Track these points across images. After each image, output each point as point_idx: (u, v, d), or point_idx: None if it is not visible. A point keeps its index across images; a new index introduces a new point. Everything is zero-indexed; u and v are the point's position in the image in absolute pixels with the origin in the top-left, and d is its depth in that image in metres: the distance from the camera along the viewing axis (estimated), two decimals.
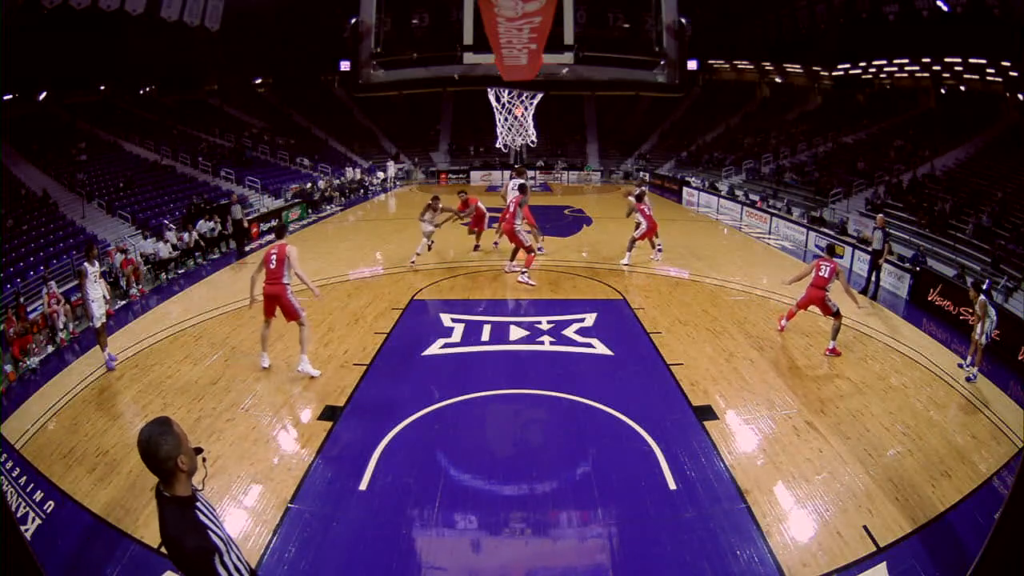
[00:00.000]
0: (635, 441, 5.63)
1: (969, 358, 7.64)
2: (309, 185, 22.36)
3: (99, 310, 7.63)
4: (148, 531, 4.43)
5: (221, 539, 2.30)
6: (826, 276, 8.01)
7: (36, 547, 3.29)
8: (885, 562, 4.18)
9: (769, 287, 10.78)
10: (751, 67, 31.31)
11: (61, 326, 8.95)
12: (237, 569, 2.35)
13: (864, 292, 10.71)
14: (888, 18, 22.41)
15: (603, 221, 17.14)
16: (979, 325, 7.34)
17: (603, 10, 28.25)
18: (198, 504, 2.31)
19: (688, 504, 4.77)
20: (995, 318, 7.44)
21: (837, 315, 7.88)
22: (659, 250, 12.51)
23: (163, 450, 2.21)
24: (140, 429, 2.27)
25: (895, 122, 23.16)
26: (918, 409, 6.40)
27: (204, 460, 2.39)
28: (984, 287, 8.14)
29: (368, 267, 12.11)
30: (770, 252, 14.70)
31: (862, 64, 26.27)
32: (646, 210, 11.89)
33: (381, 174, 27.06)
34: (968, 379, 7.27)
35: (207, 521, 2.29)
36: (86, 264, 7.68)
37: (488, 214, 12.87)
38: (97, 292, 7.69)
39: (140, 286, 11.14)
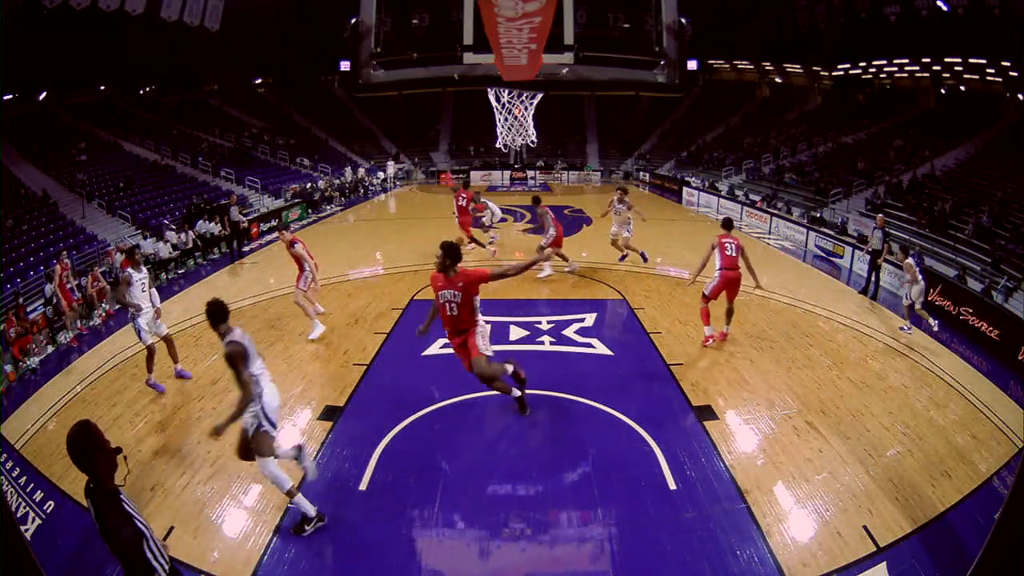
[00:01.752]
0: (635, 441, 5.63)
1: (932, 321, 8.59)
2: (309, 185, 22.36)
3: (147, 324, 6.69)
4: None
5: (144, 526, 2.68)
6: (734, 255, 7.49)
7: (36, 547, 3.30)
8: (885, 562, 4.18)
9: (769, 287, 10.77)
10: (751, 67, 31.31)
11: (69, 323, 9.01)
12: (161, 554, 2.74)
13: (864, 292, 10.72)
14: (888, 18, 22.43)
15: (603, 221, 17.10)
16: (910, 287, 8.44)
17: (603, 10, 28.24)
18: (122, 497, 2.67)
19: (688, 504, 4.77)
20: (924, 283, 8.54)
21: (732, 302, 7.80)
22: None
23: (85, 449, 2.57)
24: (67, 433, 2.63)
25: (895, 122, 23.16)
26: (918, 409, 6.40)
27: (125, 459, 2.75)
28: (913, 252, 9.08)
29: (368, 267, 12.11)
30: (770, 252, 14.69)
31: (862, 64, 26.27)
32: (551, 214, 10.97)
33: (381, 174, 27.06)
34: (902, 328, 8.52)
35: (131, 511, 2.65)
36: (131, 271, 6.71)
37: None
38: (147, 303, 6.75)
39: None
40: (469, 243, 12.05)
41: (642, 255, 11.12)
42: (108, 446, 2.64)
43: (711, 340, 7.84)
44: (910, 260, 8.70)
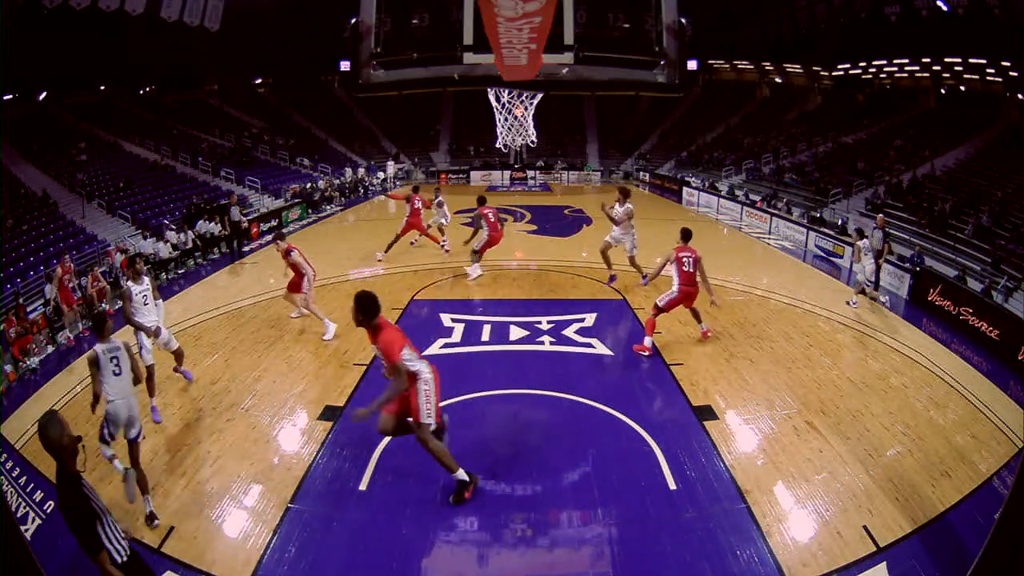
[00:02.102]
0: (635, 441, 5.63)
1: (855, 297, 9.79)
2: (309, 185, 22.36)
3: (151, 342, 6.22)
4: (148, 531, 4.43)
5: (100, 509, 3.01)
6: (692, 270, 7.36)
7: (36, 547, 3.30)
8: (885, 562, 4.18)
9: (769, 287, 10.78)
10: (751, 67, 31.32)
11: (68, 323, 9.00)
12: (116, 536, 3.05)
13: (864, 292, 10.71)
14: (888, 18, 22.44)
15: (603, 221, 17.06)
16: (858, 265, 9.81)
17: (603, 10, 28.25)
18: (83, 481, 2.99)
19: (688, 504, 4.77)
20: (871, 265, 9.88)
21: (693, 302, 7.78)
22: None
23: (52, 433, 2.93)
24: (38, 421, 3.04)
25: (895, 122, 23.16)
26: (918, 409, 6.40)
27: (84, 447, 3.07)
28: (866, 234, 10.20)
29: (368, 267, 12.11)
30: (770, 252, 14.70)
31: (862, 64, 26.28)
32: (491, 216, 10.59)
33: (381, 174, 27.05)
34: (848, 303, 9.69)
35: (89, 493, 2.98)
36: (130, 284, 6.23)
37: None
38: (150, 318, 6.22)
39: None
40: (443, 242, 12.88)
41: (644, 277, 10.06)
42: (72, 434, 3.03)
43: (647, 352, 7.51)
44: (861, 243, 9.97)
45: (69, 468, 2.96)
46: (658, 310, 7.59)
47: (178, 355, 6.65)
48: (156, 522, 4.45)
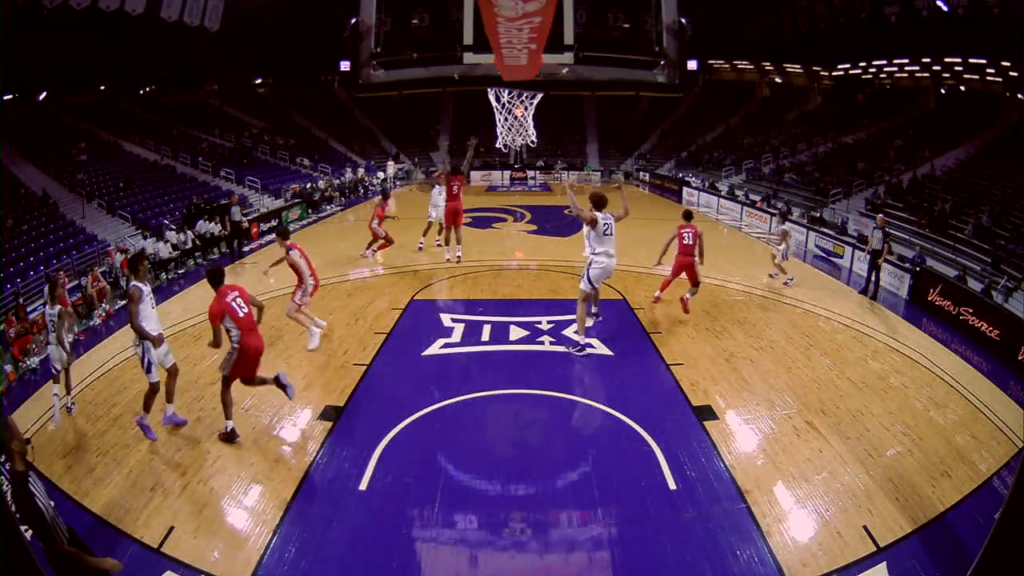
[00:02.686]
0: (635, 441, 5.63)
1: (776, 272, 10.92)
2: (309, 185, 22.36)
3: (159, 356, 5.76)
4: (148, 531, 4.44)
5: (44, 505, 3.30)
6: (691, 243, 8.40)
7: (36, 547, 3.31)
8: (885, 562, 4.18)
9: (769, 287, 10.78)
10: (751, 67, 31.31)
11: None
12: (61, 529, 3.38)
13: (864, 292, 10.72)
14: (888, 19, 22.44)
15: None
16: (782, 246, 10.76)
17: (603, 10, 28.24)
18: (30, 479, 3.30)
19: (688, 504, 4.77)
20: (792, 244, 11.23)
21: (697, 284, 8.75)
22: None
23: (3, 435, 3.30)
24: None
25: (895, 122, 23.16)
26: (918, 409, 6.40)
27: (32, 448, 3.51)
28: (790, 216, 11.24)
29: (368, 267, 12.11)
30: (770, 252, 14.67)
31: (862, 64, 26.27)
32: (454, 188, 10.65)
33: (381, 174, 27.05)
34: (785, 283, 10.65)
35: (34, 491, 3.28)
36: (135, 283, 5.62)
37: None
38: (153, 324, 5.72)
39: None
40: (375, 247, 12.58)
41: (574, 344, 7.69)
42: (21, 438, 3.46)
43: (656, 299, 9.16)
44: (785, 227, 11.29)
45: (16, 467, 3.33)
46: (671, 275, 8.73)
47: (172, 374, 5.96)
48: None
